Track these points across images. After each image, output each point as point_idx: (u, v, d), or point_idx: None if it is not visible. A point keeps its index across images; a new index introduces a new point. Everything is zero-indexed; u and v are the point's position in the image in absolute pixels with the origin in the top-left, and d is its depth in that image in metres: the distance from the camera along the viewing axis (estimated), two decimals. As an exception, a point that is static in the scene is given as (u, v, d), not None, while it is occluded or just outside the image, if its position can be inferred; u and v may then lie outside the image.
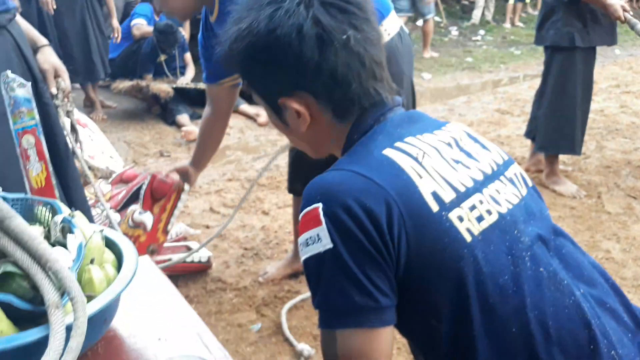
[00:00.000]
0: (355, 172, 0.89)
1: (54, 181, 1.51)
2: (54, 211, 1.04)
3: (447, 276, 0.88)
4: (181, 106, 5.12)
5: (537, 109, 3.71)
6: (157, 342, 1.01)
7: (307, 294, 2.49)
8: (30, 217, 1.05)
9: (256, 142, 4.73)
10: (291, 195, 2.69)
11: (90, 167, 3.45)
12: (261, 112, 4.91)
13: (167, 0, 2.03)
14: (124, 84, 5.20)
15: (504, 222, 0.94)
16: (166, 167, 2.66)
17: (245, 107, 5.17)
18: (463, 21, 10.49)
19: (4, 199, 0.91)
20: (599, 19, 3.34)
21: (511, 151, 4.27)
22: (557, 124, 3.53)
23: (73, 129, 1.91)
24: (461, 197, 0.92)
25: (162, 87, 5.09)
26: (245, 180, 3.85)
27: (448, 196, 0.91)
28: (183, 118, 4.99)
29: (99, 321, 0.92)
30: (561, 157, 3.77)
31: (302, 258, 0.90)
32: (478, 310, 0.88)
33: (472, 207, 0.92)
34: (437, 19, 10.74)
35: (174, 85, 5.21)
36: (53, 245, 0.96)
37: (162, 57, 5.50)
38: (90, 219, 2.04)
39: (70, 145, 1.90)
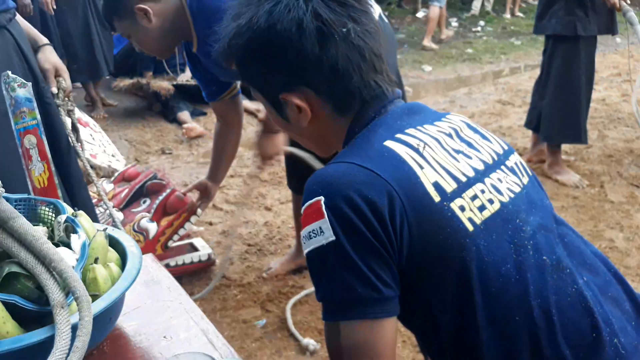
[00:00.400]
0: (356, 164, 0.90)
1: (56, 181, 1.51)
2: (57, 211, 1.04)
3: (450, 266, 0.89)
4: (182, 103, 5.11)
5: (539, 99, 3.70)
6: (163, 340, 1.01)
7: (311, 288, 2.50)
8: (34, 218, 1.06)
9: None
10: (293, 191, 2.70)
11: (92, 166, 3.46)
12: (262, 108, 4.91)
13: (142, 45, 2.06)
14: (125, 82, 5.20)
15: (506, 211, 0.94)
16: (185, 188, 2.70)
17: (246, 102, 5.15)
18: (463, 12, 10.46)
19: (7, 199, 0.91)
20: (599, 8, 3.33)
21: (513, 142, 4.26)
22: (563, 113, 3.53)
23: (74, 128, 1.91)
24: (463, 187, 0.92)
25: (163, 85, 5.09)
26: (247, 176, 3.85)
27: (449, 186, 0.91)
28: (184, 115, 4.98)
29: (105, 320, 0.93)
30: (563, 147, 3.77)
31: (305, 251, 0.90)
32: (481, 299, 0.89)
33: (474, 197, 0.92)
34: (437, 10, 10.72)
35: (175, 83, 5.20)
36: (57, 245, 0.96)
37: (162, 54, 5.48)
38: (95, 218, 2.05)
39: (72, 145, 1.90)
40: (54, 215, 1.05)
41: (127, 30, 2.02)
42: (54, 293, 0.84)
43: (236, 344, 2.24)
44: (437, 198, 0.89)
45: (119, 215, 2.67)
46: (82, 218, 1.03)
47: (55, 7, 4.76)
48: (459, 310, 0.90)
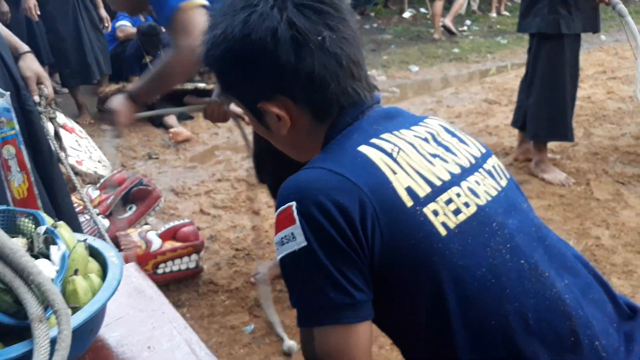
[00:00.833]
0: (329, 170, 0.90)
1: (36, 191, 1.50)
2: (37, 222, 1.03)
3: (422, 270, 0.88)
4: (168, 107, 5.08)
5: (525, 98, 3.72)
6: (146, 350, 1.00)
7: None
8: (13, 229, 1.04)
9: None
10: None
11: (77, 173, 3.44)
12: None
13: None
14: (110, 87, 5.17)
15: (482, 214, 0.94)
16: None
17: (233, 106, 5.14)
18: (448, 11, 10.49)
19: (-15, 212, 0.90)
20: (582, 6, 3.36)
21: (500, 141, 4.28)
22: (548, 111, 3.55)
23: (57, 136, 1.90)
24: (437, 191, 0.92)
25: (149, 89, 5.05)
26: (235, 180, 3.84)
27: (423, 191, 0.91)
28: (170, 119, 4.96)
29: (86, 332, 0.92)
30: (549, 145, 3.79)
31: (278, 257, 0.90)
32: (455, 303, 0.89)
33: (449, 201, 0.92)
34: (423, 10, 10.76)
35: (161, 87, 5.17)
36: (36, 257, 0.95)
37: (148, 59, 5.47)
38: (78, 226, 2.03)
39: (55, 152, 1.89)
40: (33, 226, 1.04)
41: None
42: (33, 307, 0.82)
43: (224, 350, 2.23)
44: (409, 203, 0.89)
45: (104, 223, 2.66)
46: (62, 229, 1.01)
47: (39, 12, 4.74)
48: (432, 314, 0.90)
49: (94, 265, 1.03)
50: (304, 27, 0.92)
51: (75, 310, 0.89)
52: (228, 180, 3.84)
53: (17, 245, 0.88)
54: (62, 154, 1.89)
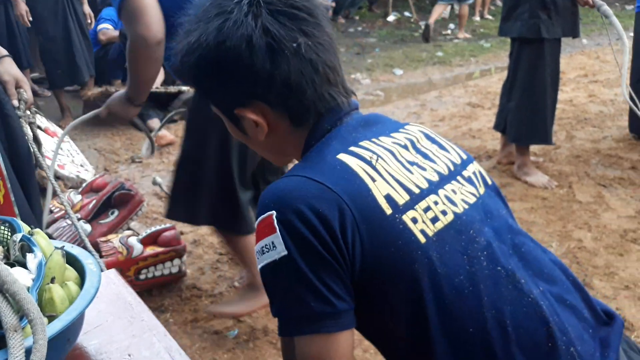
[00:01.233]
0: (308, 178, 0.89)
1: (12, 198, 1.48)
2: (13, 229, 1.01)
3: (402, 278, 0.89)
4: (152, 111, 5.06)
5: (507, 102, 3.76)
6: (126, 358, 0.99)
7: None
8: (-11, 237, 1.03)
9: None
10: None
11: (59, 177, 3.41)
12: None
13: None
14: (93, 91, 5.13)
15: (459, 222, 0.94)
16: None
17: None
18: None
19: (-41, 220, 0.89)
20: (561, 11, 3.39)
21: (483, 144, 4.30)
22: (529, 115, 3.59)
23: (36, 140, 1.88)
24: (415, 199, 0.92)
25: (132, 93, 5.02)
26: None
27: (402, 198, 0.91)
28: (154, 123, 4.92)
29: (62, 341, 0.90)
30: (532, 148, 3.82)
31: (259, 266, 0.90)
32: (434, 311, 0.89)
33: (427, 209, 0.92)
34: (407, 14, 10.80)
35: (144, 90, 5.14)
36: (12, 265, 0.93)
37: (131, 62, 5.43)
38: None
39: (33, 157, 1.87)
40: (9, 233, 1.02)
41: None
42: (7, 316, 0.81)
43: (208, 356, 2.21)
44: (388, 211, 0.89)
45: (86, 228, 2.63)
46: (39, 236, 1.00)
47: (31, 18, 4.71)
48: (412, 322, 0.90)
49: (71, 273, 1.02)
50: (278, 34, 0.92)
51: (51, 319, 0.88)
52: (212, 184, 3.81)
53: (-8, 253, 0.87)
54: (40, 159, 1.87)
